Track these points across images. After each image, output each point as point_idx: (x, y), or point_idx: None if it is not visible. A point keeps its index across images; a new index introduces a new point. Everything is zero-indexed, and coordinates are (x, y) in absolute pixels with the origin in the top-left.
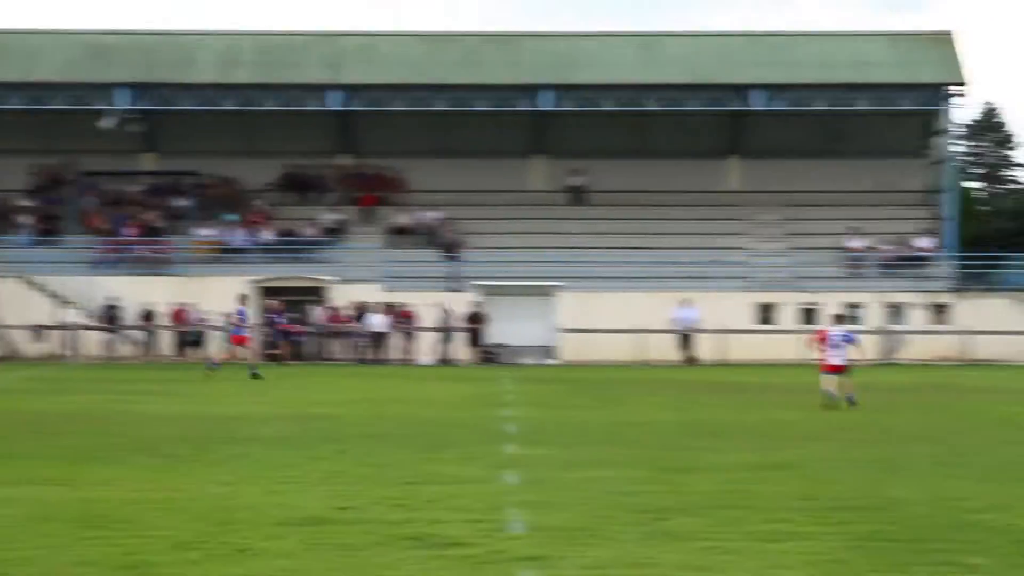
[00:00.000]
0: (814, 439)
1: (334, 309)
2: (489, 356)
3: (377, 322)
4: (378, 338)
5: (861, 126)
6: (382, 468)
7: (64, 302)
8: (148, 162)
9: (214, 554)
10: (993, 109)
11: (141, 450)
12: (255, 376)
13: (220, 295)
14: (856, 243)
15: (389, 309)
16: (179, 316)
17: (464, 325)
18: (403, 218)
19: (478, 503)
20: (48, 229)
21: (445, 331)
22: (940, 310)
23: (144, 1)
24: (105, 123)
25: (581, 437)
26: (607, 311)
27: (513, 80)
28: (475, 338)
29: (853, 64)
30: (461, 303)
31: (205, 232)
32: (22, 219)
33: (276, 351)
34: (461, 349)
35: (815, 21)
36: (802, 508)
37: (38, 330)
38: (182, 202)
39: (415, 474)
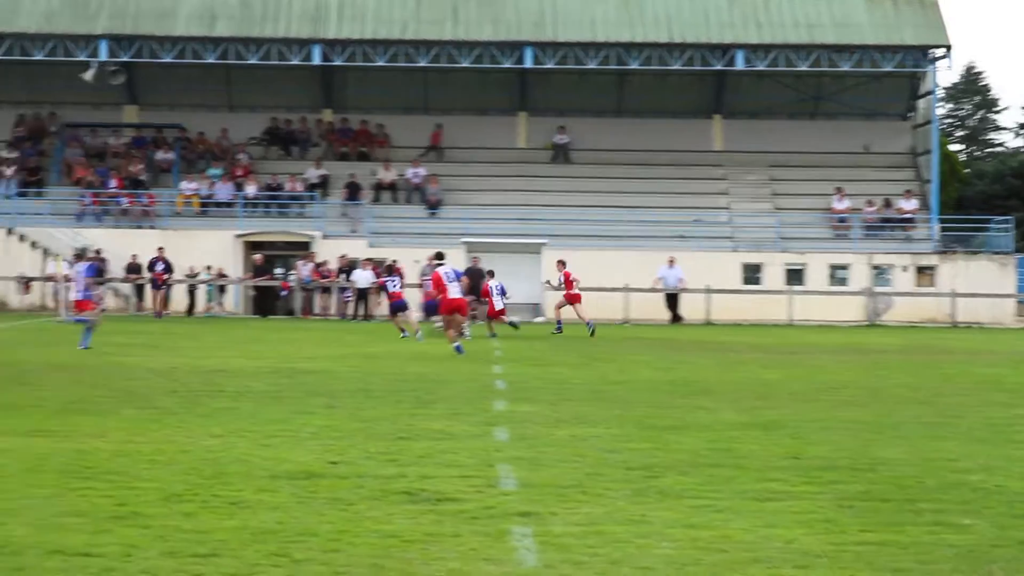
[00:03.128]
0: (801, 399)
1: (319, 264)
2: (476, 314)
3: (363, 277)
4: (364, 294)
5: (844, 87)
6: (372, 423)
7: (49, 254)
8: (131, 115)
9: (207, 506)
10: (975, 72)
11: (131, 402)
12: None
13: (204, 249)
14: (841, 204)
15: (376, 265)
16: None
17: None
18: (387, 174)
19: (469, 459)
20: (32, 181)
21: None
22: (925, 272)
23: None
24: (87, 75)
25: (569, 394)
26: (592, 269)
27: (496, 37)
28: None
29: (836, 25)
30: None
31: (189, 185)
32: (5, 170)
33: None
34: None
35: None
36: (792, 467)
37: (23, 282)
38: (166, 155)
39: (406, 429)
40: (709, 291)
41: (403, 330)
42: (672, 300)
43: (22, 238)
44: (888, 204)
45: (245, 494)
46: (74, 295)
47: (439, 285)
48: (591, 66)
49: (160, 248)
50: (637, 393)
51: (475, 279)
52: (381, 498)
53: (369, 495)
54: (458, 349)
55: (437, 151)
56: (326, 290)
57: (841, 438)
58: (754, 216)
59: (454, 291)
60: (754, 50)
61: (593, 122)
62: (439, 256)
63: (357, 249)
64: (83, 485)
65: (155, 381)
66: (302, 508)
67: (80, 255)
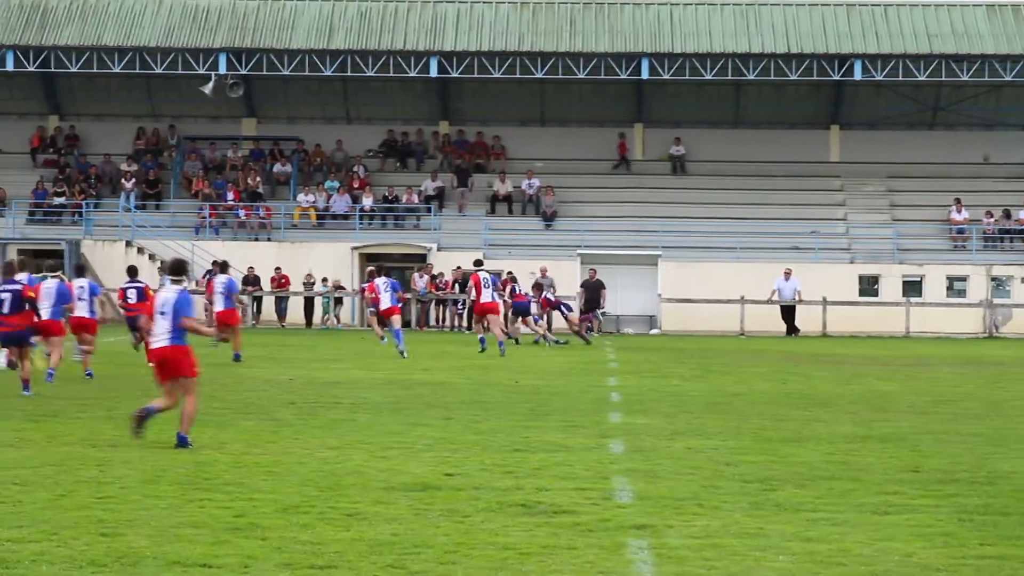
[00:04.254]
0: (919, 412)
1: (435, 276)
2: (591, 326)
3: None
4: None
5: (963, 97)
6: (488, 435)
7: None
8: (249, 127)
9: (324, 518)
10: None
11: (249, 414)
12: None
13: (321, 261)
14: (959, 215)
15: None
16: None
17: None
18: (503, 186)
19: (584, 471)
20: (151, 193)
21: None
22: None
23: None
24: (206, 88)
25: (684, 406)
26: (708, 281)
27: (612, 48)
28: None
29: (955, 35)
30: (562, 271)
31: (306, 198)
32: (125, 183)
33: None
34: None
35: None
36: (910, 480)
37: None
38: (283, 168)
39: (521, 441)
40: (826, 303)
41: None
42: (788, 312)
43: (141, 250)
44: (1008, 215)
45: (361, 506)
46: (217, 307)
47: (476, 288)
48: (708, 77)
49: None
50: (753, 405)
51: (593, 292)
52: (497, 510)
53: (485, 507)
54: (500, 347)
55: (625, 162)
56: (442, 302)
57: (960, 451)
58: (871, 227)
59: (487, 295)
60: (872, 60)
61: (709, 133)
62: (478, 263)
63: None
64: (202, 496)
65: (273, 393)
66: (418, 520)
67: (223, 267)
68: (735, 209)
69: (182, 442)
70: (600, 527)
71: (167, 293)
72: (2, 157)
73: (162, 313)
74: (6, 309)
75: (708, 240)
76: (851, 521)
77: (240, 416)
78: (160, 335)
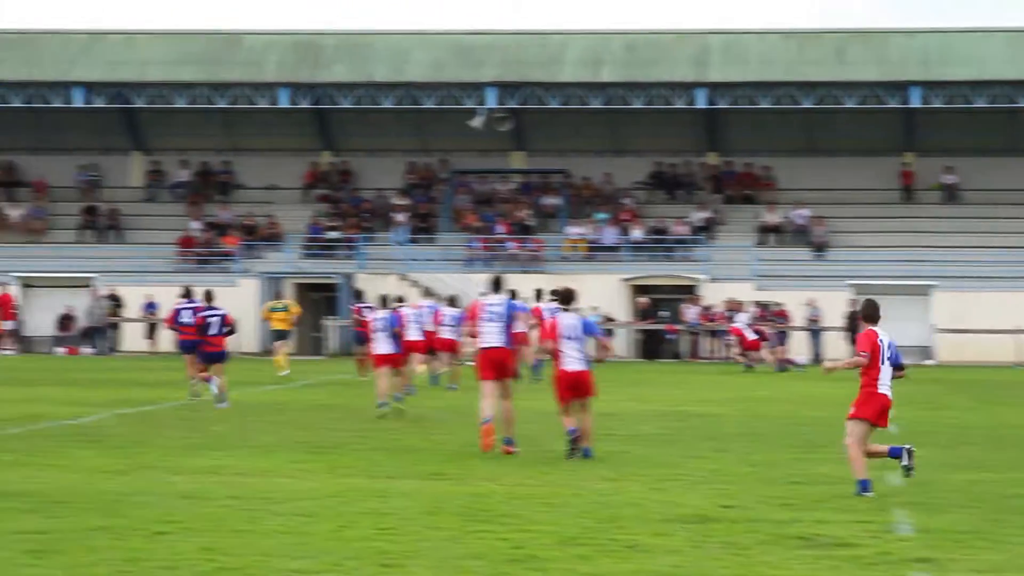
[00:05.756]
0: None
1: (706, 308)
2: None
3: (742, 320)
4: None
5: None
6: (764, 467)
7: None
8: (517, 160)
9: (603, 550)
10: None
11: (523, 445)
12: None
13: (591, 293)
14: None
15: (763, 308)
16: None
17: (839, 324)
18: (772, 216)
19: (863, 503)
20: (422, 227)
21: (816, 330)
22: None
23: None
24: (475, 122)
25: (962, 438)
26: (985, 311)
27: (881, 77)
28: (853, 338)
29: None
30: (832, 302)
31: (576, 230)
32: (397, 217)
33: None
34: (835, 349)
35: None
36: None
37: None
38: (552, 200)
39: (797, 473)
40: None
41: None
42: None
43: (414, 283)
44: None
45: (640, 538)
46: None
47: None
48: (980, 104)
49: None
50: None
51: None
52: (776, 543)
53: (764, 540)
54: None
55: (907, 192)
56: (713, 333)
57: None
58: None
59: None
60: None
61: (982, 161)
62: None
63: (743, 292)
64: (481, 528)
65: (545, 425)
66: (697, 552)
67: (452, 301)
68: (1009, 238)
69: (587, 454)
70: (881, 560)
71: (571, 319)
72: (277, 193)
73: (569, 338)
74: (213, 331)
75: (982, 269)
76: None
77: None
78: (571, 358)
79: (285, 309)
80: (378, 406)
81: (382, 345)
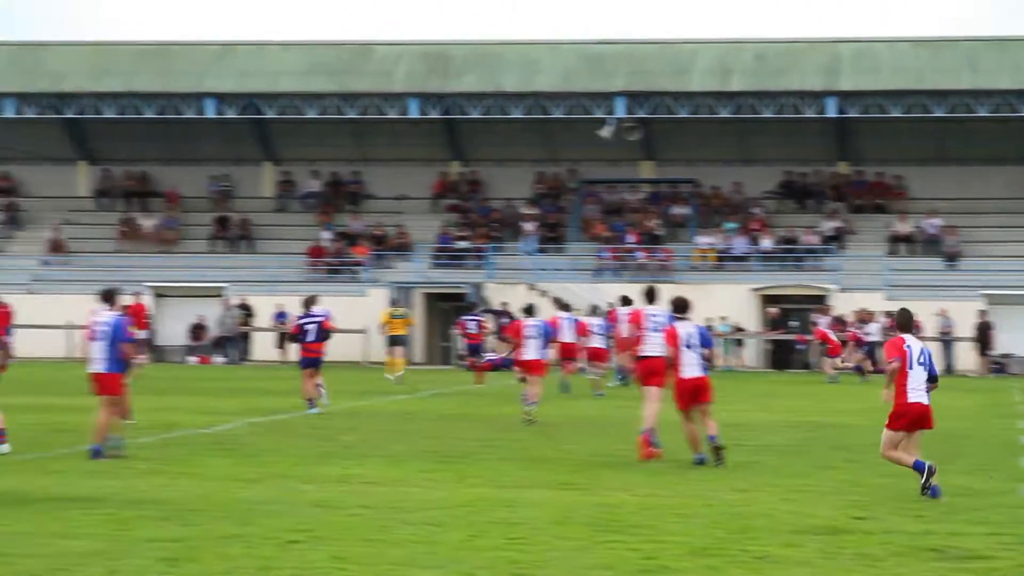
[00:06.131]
0: None
1: (837, 318)
2: (997, 367)
3: (874, 331)
4: (874, 348)
5: None
6: (896, 478)
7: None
8: (646, 170)
9: (733, 561)
10: None
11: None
12: None
13: (720, 303)
14: None
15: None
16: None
17: (969, 335)
18: (903, 226)
19: (997, 515)
20: (551, 236)
21: (947, 341)
22: None
23: (640, 10)
24: (604, 132)
25: None
26: None
27: (1014, 85)
28: (983, 348)
29: None
30: (964, 312)
31: (705, 240)
32: (526, 227)
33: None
34: (966, 359)
35: None
36: None
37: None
38: (681, 210)
39: None
40: None
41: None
42: None
43: (544, 293)
44: None
45: (771, 549)
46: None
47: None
48: None
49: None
50: None
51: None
52: (909, 555)
53: (897, 551)
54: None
55: None
56: (843, 343)
57: None
58: None
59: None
60: None
61: None
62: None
63: (874, 302)
64: (611, 538)
65: (675, 434)
66: (829, 564)
67: (595, 310)
68: None
69: (712, 439)
70: (1016, 573)
71: (688, 328)
72: (407, 203)
73: (689, 346)
74: (311, 337)
75: None
76: None
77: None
78: (689, 365)
79: (405, 316)
80: (525, 413)
81: (533, 351)
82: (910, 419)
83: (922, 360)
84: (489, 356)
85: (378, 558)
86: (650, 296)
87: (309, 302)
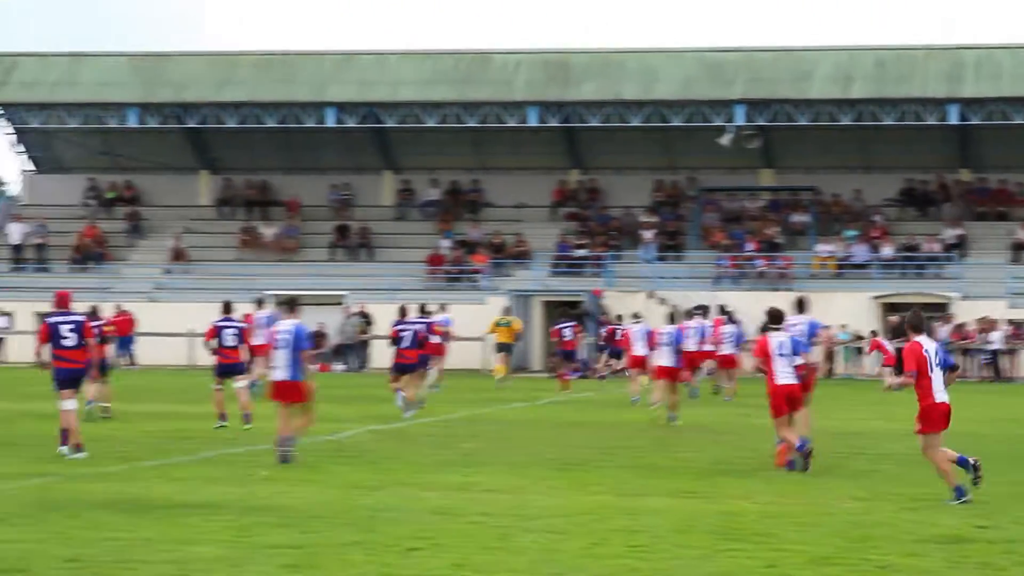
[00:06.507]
0: None
1: (960, 326)
2: None
3: (997, 339)
4: (997, 355)
5: None
6: (1021, 487)
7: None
8: (766, 178)
9: (855, 570)
10: None
11: (763, 462)
12: None
13: (841, 310)
14: None
15: (1017, 326)
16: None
17: None
18: None
19: None
20: (670, 244)
21: None
22: None
23: (759, 18)
24: (724, 140)
25: None
26: None
27: None
28: None
29: None
30: None
31: (825, 248)
32: (645, 234)
33: None
34: None
35: None
36: None
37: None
38: (801, 218)
39: None
40: None
41: None
42: None
43: (662, 301)
44: None
45: (893, 558)
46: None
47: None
48: None
49: None
50: None
51: None
52: None
53: (1020, 561)
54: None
55: None
56: (965, 352)
57: None
58: None
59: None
60: None
61: None
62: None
63: (996, 310)
64: (732, 546)
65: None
66: (952, 573)
67: (730, 317)
68: None
69: (802, 447)
70: None
71: (780, 337)
72: (526, 211)
73: (781, 355)
74: (405, 344)
75: None
76: None
77: (764, 467)
78: (783, 373)
79: (509, 324)
80: (668, 419)
81: (665, 358)
82: (940, 418)
83: (939, 360)
84: (600, 373)
85: (499, 566)
86: (800, 307)
87: (404, 311)
